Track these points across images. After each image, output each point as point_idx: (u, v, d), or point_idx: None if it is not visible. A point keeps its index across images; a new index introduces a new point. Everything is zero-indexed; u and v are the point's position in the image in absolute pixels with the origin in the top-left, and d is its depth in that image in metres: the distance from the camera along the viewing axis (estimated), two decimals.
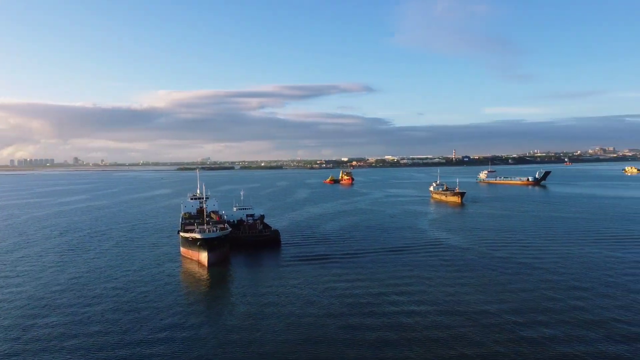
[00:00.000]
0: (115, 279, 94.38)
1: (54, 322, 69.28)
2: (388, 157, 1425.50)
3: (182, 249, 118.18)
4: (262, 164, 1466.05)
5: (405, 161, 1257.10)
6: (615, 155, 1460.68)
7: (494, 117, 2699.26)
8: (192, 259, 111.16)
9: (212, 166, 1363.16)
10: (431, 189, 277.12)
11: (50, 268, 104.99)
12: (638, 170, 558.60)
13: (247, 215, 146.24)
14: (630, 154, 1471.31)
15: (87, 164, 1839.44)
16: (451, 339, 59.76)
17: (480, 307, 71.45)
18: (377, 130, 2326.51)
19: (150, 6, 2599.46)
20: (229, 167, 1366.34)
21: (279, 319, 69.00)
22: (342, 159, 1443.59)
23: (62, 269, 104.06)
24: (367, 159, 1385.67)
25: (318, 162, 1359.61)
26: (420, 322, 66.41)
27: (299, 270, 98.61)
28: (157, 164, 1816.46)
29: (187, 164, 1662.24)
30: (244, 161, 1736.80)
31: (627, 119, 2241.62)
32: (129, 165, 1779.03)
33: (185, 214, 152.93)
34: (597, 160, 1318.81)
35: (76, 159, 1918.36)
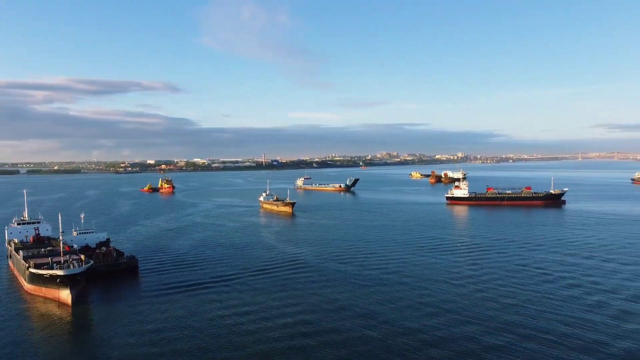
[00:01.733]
0: None
1: None
2: (198, 160, 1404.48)
3: (29, 286, 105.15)
4: (56, 167, 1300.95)
5: (216, 165, 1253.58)
6: (399, 159, 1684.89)
7: (297, 121, 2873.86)
8: (46, 298, 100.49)
9: None
10: (261, 198, 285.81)
11: None
12: (421, 175, 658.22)
13: (100, 243, 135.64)
14: (410, 158, 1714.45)
15: None
16: None
17: (410, 325, 79.56)
18: (183, 131, 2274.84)
19: None
20: (11, 170, 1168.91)
21: None
22: (149, 161, 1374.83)
23: None
24: (176, 162, 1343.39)
25: (122, 164, 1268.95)
26: (373, 350, 70.49)
27: (176, 301, 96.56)
28: None
29: None
30: (29, 163, 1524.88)
31: (405, 126, 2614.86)
32: None
33: (13, 242, 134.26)
34: (386, 164, 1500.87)
35: None
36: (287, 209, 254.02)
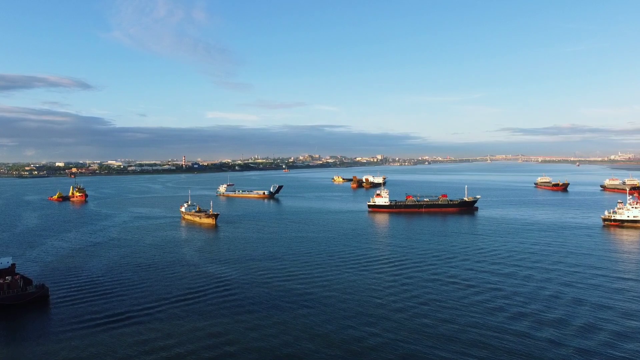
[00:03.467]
0: None
1: None
2: (112, 163, 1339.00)
3: None
4: None
5: (132, 168, 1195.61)
6: (321, 161, 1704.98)
7: (215, 121, 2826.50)
8: None
9: None
10: (182, 209, 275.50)
11: None
12: (343, 179, 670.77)
13: (3, 271, 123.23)
14: (331, 160, 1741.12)
15: None
16: None
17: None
18: (94, 131, 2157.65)
19: None
20: None
21: None
22: (57, 163, 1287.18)
23: None
24: (88, 164, 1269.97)
25: (27, 167, 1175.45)
26: None
27: (96, 342, 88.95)
28: None
29: None
30: None
31: (325, 128, 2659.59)
32: None
33: None
34: (308, 166, 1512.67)
35: None
36: (210, 221, 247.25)
